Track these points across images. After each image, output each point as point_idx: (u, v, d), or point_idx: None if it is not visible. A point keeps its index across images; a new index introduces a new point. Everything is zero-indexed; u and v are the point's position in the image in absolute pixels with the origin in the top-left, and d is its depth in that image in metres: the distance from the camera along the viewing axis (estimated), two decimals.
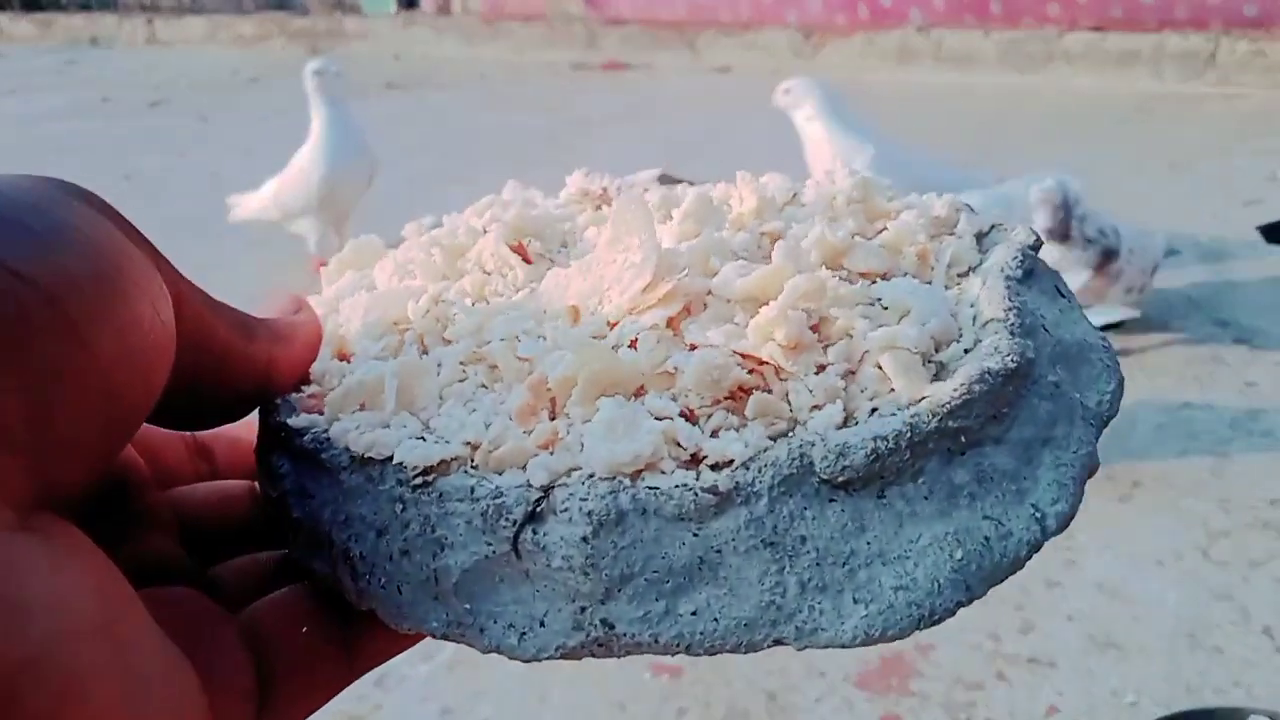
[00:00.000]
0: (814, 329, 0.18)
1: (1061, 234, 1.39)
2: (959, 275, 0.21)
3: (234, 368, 0.18)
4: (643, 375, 0.18)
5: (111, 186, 2.83)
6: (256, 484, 0.21)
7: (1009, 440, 0.18)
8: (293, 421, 0.19)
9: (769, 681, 0.93)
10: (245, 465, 0.22)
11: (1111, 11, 3.69)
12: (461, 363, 0.19)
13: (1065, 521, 0.17)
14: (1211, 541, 1.12)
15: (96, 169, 2.99)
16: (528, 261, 0.21)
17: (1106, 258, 1.46)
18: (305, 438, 0.19)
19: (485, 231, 0.22)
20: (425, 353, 0.20)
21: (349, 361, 0.20)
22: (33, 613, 0.12)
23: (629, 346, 0.18)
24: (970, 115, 3.15)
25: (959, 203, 0.22)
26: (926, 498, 0.17)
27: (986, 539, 0.17)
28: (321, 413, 0.19)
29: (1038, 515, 0.17)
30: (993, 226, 0.22)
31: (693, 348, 0.18)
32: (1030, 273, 0.20)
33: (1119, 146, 2.69)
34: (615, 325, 0.19)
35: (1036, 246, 0.21)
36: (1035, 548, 0.17)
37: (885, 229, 0.21)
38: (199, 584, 0.19)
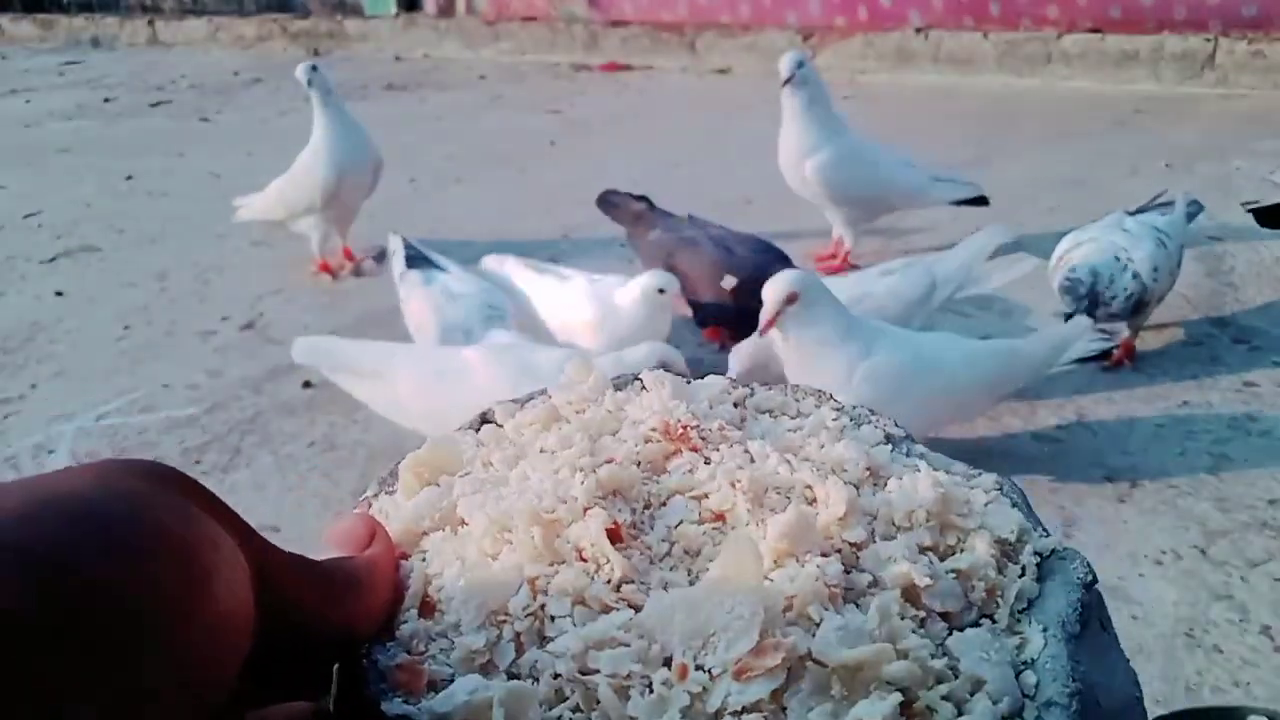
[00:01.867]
0: (903, 708, 0.19)
1: (1090, 312, 1.38)
2: (1020, 611, 0.22)
3: (315, 633, 0.19)
4: None
5: (113, 187, 2.84)
6: (320, 705, 0.22)
7: None
8: (388, 709, 0.20)
9: None
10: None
11: (1110, 13, 3.70)
12: (556, 675, 0.20)
13: None
14: (1210, 541, 1.12)
15: (98, 169, 2.99)
16: (619, 540, 0.22)
17: (1139, 309, 1.45)
18: None
19: (584, 507, 0.23)
20: (521, 654, 0.21)
21: (434, 618, 0.22)
22: None
23: (732, 715, 0.19)
24: (969, 116, 3.15)
25: (1025, 522, 0.24)
26: None
27: None
28: (413, 693, 0.20)
29: None
30: (1053, 551, 0.24)
31: None
32: (1085, 621, 0.22)
33: (1117, 147, 2.70)
34: (718, 678, 0.20)
35: (1091, 584, 0.23)
36: None
37: (957, 549, 0.23)
38: None
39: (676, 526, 0.23)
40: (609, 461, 0.24)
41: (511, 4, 5.02)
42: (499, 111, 3.62)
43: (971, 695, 0.20)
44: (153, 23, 5.72)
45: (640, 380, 0.28)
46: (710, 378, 0.29)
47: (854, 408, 0.29)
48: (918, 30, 3.92)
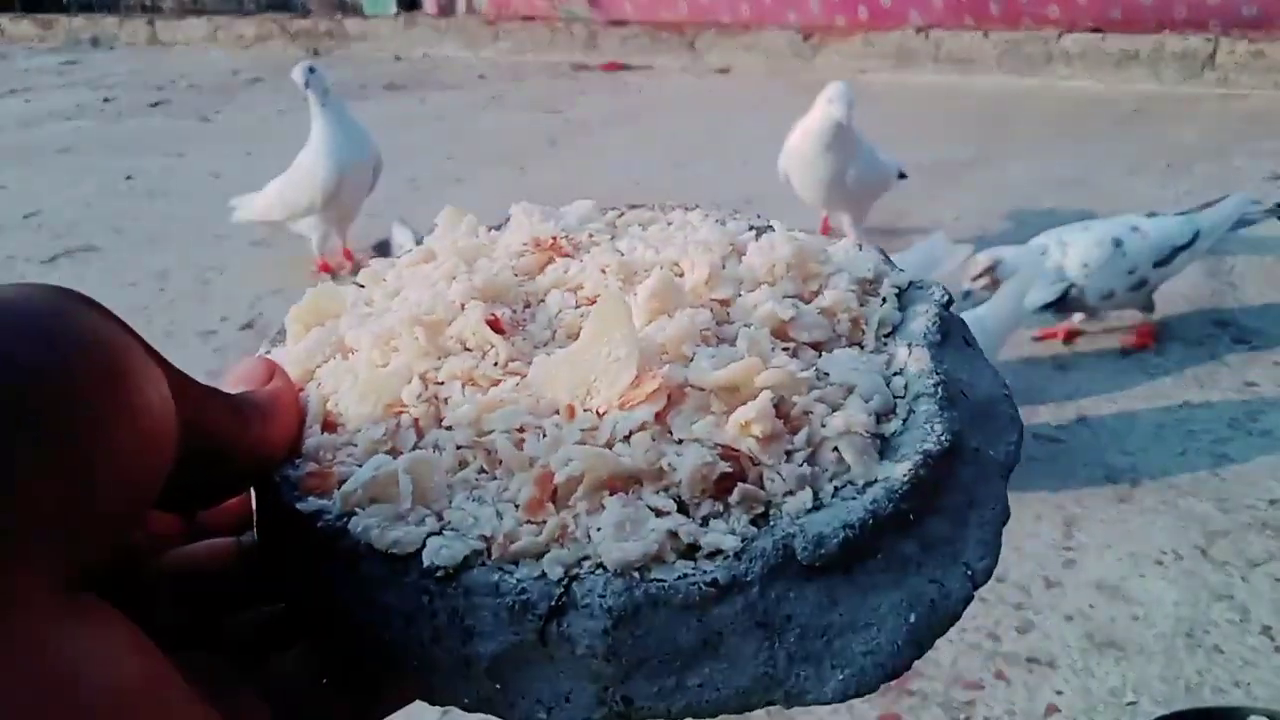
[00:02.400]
0: (778, 412, 0.21)
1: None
2: (884, 336, 0.24)
3: (228, 448, 0.20)
4: (641, 473, 0.20)
5: (112, 187, 2.84)
6: (240, 538, 0.23)
7: (943, 508, 0.21)
8: (303, 507, 0.21)
9: None
10: (225, 519, 0.23)
11: (1110, 12, 3.70)
12: (459, 446, 0.21)
13: (989, 574, 0.21)
14: (1210, 541, 1.12)
15: (98, 169, 2.99)
16: (502, 332, 0.23)
17: (1062, 302, 1.49)
18: (318, 524, 0.20)
19: (461, 306, 0.24)
20: (421, 436, 0.22)
21: (336, 432, 0.22)
22: (90, 685, 0.14)
23: (623, 441, 0.21)
24: (969, 116, 3.15)
25: (882, 264, 0.26)
26: (884, 570, 0.20)
27: (932, 601, 0.20)
28: (325, 493, 0.21)
29: (969, 573, 0.21)
30: (910, 284, 0.26)
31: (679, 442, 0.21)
32: (946, 332, 0.24)
33: (1117, 147, 2.70)
34: (605, 415, 0.21)
35: (949, 304, 0.25)
36: (968, 601, 0.21)
37: (820, 292, 0.25)
38: (209, 644, 0.21)
39: (556, 315, 0.24)
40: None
41: (512, 3, 5.02)
42: (499, 111, 3.62)
43: (844, 400, 0.22)
44: (152, 22, 5.72)
45: (513, 216, 0.29)
46: (579, 202, 0.30)
47: (722, 211, 0.30)
48: (918, 30, 3.91)
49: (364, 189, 2.10)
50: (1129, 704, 0.90)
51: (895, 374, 0.23)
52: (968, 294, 1.45)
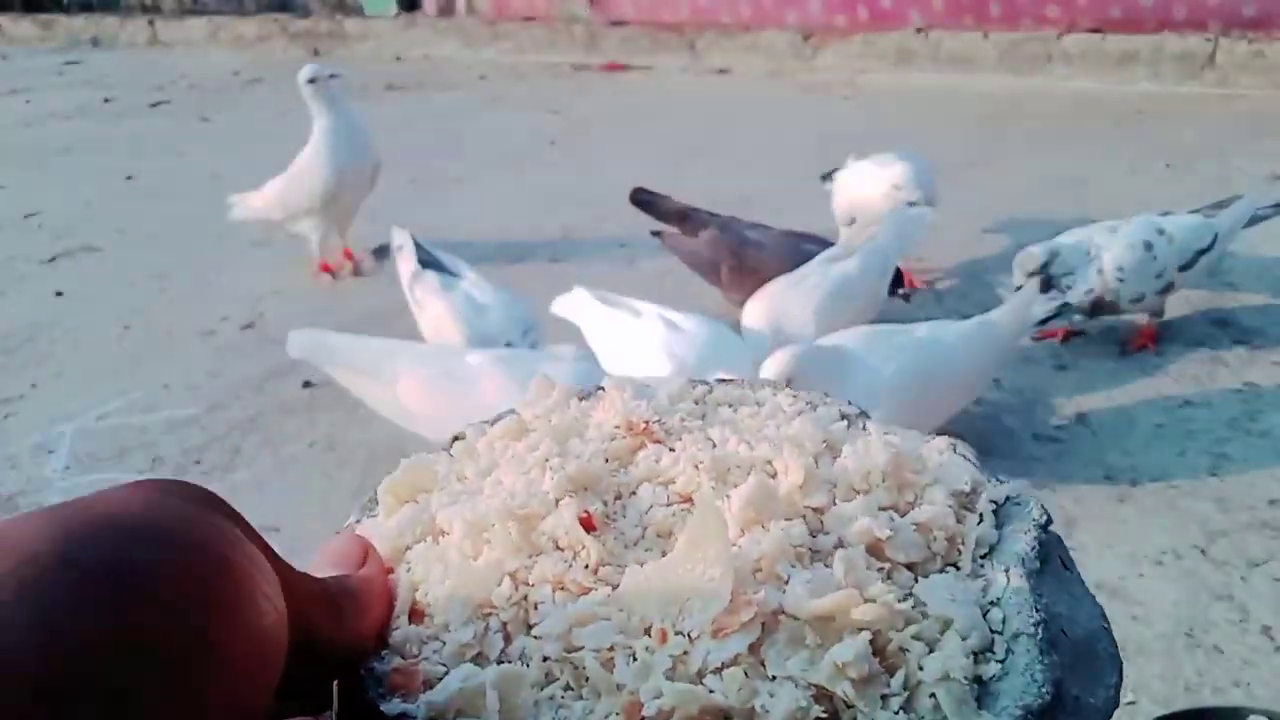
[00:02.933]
0: (874, 648, 0.20)
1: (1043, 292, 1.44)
2: (981, 557, 0.23)
3: (325, 643, 0.20)
4: (733, 711, 0.20)
5: (113, 187, 2.84)
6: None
7: None
8: (388, 709, 0.21)
9: None
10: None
11: (1110, 13, 3.70)
12: (546, 658, 0.21)
13: None
14: (1210, 541, 1.12)
15: (98, 169, 2.99)
16: (593, 529, 0.23)
17: (1097, 307, 1.50)
18: None
19: (555, 501, 0.24)
20: (509, 643, 0.22)
21: (423, 624, 0.23)
22: None
23: (714, 673, 0.20)
24: (969, 116, 3.15)
25: (978, 474, 0.25)
26: None
27: None
28: (410, 693, 0.21)
29: None
30: (1008, 499, 0.25)
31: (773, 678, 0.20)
32: (1045, 556, 0.23)
33: (1117, 147, 2.70)
34: (697, 641, 0.21)
35: (1048, 524, 0.24)
36: None
37: (916, 503, 0.24)
38: None
39: (647, 512, 0.24)
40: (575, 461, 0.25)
41: (512, 4, 5.02)
42: (499, 111, 3.62)
43: (941, 634, 0.21)
44: (153, 23, 5.72)
45: (603, 387, 0.29)
46: (669, 375, 0.31)
47: (810, 393, 0.30)
48: (918, 30, 3.91)
49: (363, 191, 2.10)
50: (1128, 704, 0.90)
51: (992, 604, 0.22)
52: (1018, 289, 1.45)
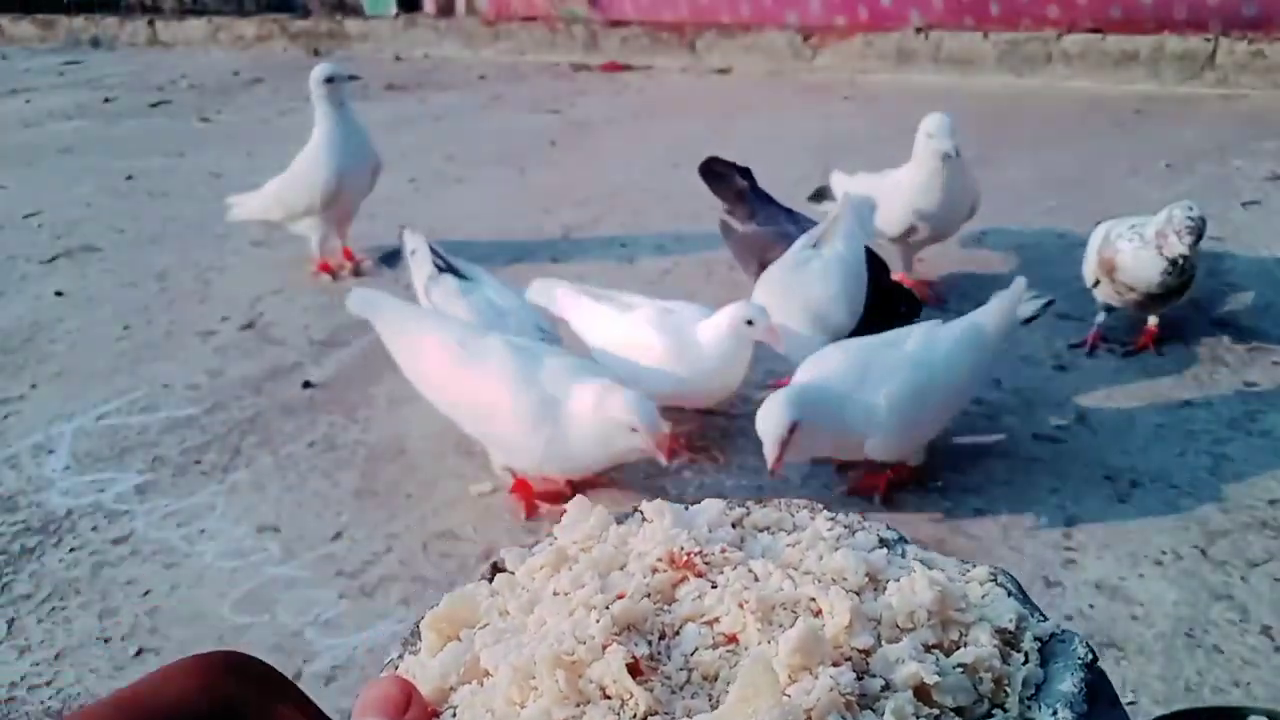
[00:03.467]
0: None
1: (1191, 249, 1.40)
2: (1029, 698, 0.24)
3: None
4: None
5: (113, 187, 2.84)
6: None
7: None
8: None
9: None
10: None
11: (1110, 13, 3.70)
12: None
13: None
14: (1210, 541, 1.12)
15: (98, 169, 2.99)
16: (640, 674, 0.23)
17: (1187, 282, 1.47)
18: None
19: (603, 647, 0.24)
20: None
21: None
22: None
23: None
24: (969, 116, 3.15)
25: (1022, 610, 0.26)
26: None
27: None
28: None
29: None
30: (1052, 635, 0.25)
31: None
32: (1093, 697, 0.24)
33: (1117, 148, 2.70)
34: None
35: (1093, 663, 0.24)
36: None
37: (961, 643, 0.24)
38: None
39: (692, 654, 0.24)
40: (620, 597, 0.25)
41: (511, 4, 5.02)
42: (499, 111, 3.62)
43: None
44: (153, 23, 5.72)
45: (640, 511, 0.29)
46: (707, 501, 0.30)
47: (847, 515, 0.30)
48: (918, 30, 3.91)
49: (362, 191, 2.10)
50: (1128, 703, 0.90)
51: None
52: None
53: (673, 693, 0.23)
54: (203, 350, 1.77)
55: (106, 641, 1.07)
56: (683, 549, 0.27)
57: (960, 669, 0.23)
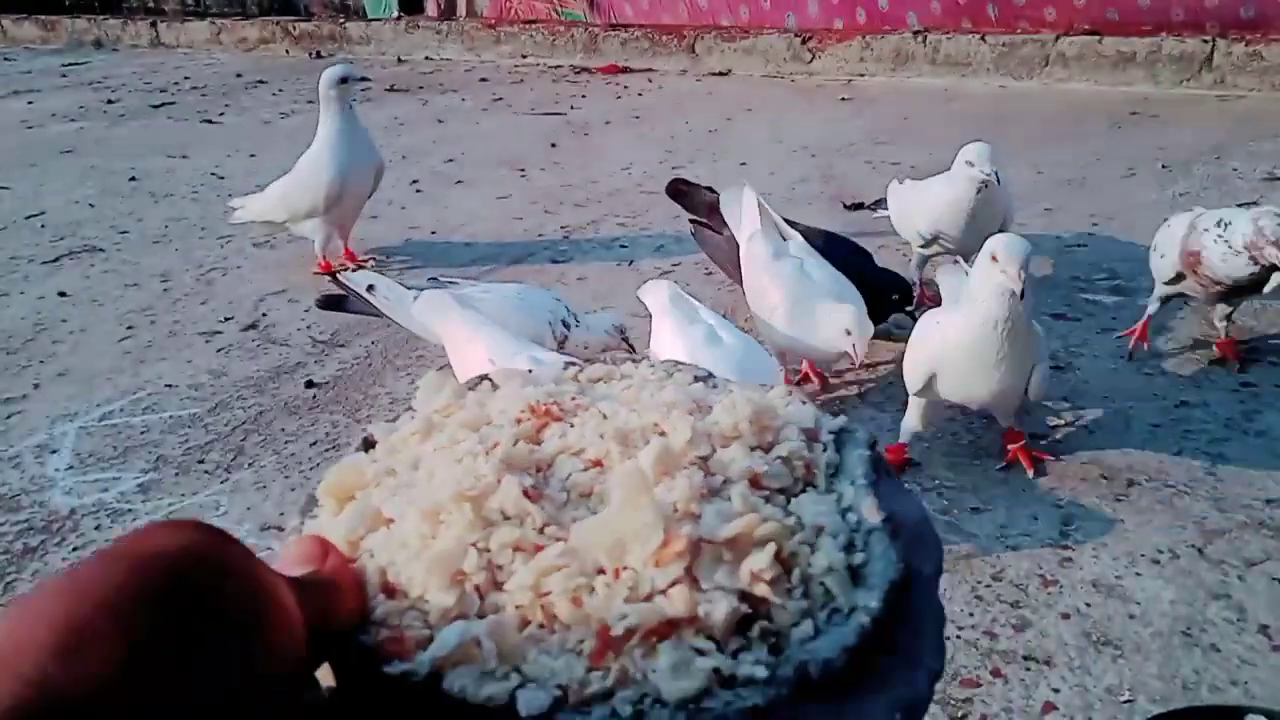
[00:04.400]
0: (776, 557, 0.26)
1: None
2: (830, 476, 0.30)
3: (318, 629, 0.24)
4: (682, 620, 0.25)
5: (116, 188, 2.85)
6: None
7: (903, 622, 0.27)
8: (390, 670, 0.24)
9: None
10: None
11: (1107, 14, 3.71)
12: (518, 606, 0.25)
13: (942, 671, 0.27)
14: (1207, 540, 1.13)
15: (101, 170, 3.00)
16: (532, 499, 0.28)
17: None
18: (411, 684, 0.24)
19: (497, 480, 0.28)
20: (484, 600, 0.26)
21: (398, 599, 0.26)
22: None
23: (662, 594, 0.25)
24: (967, 118, 3.16)
25: (818, 413, 0.32)
26: (872, 681, 0.25)
27: (909, 701, 0.26)
28: (405, 656, 0.25)
29: (931, 672, 0.27)
30: (841, 429, 0.32)
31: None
32: (877, 470, 0.31)
33: (1115, 149, 2.70)
34: (644, 571, 0.26)
35: (873, 445, 0.31)
36: (932, 695, 0.26)
37: (776, 442, 0.30)
38: None
39: (568, 479, 0.29)
40: (495, 446, 0.30)
41: (513, 7, 5.03)
42: (500, 114, 3.63)
43: (818, 538, 0.27)
44: (155, 25, 5.73)
45: (488, 379, 0.34)
46: (545, 364, 0.35)
47: (663, 362, 0.36)
48: (916, 33, 3.92)
49: (365, 193, 2.11)
50: (1126, 702, 0.90)
51: (847, 510, 0.28)
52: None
53: (559, 509, 0.28)
54: (206, 350, 1.78)
55: None
56: (539, 401, 0.32)
57: (780, 460, 0.29)
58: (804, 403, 0.32)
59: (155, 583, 0.20)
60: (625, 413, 0.31)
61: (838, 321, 1.33)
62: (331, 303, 1.57)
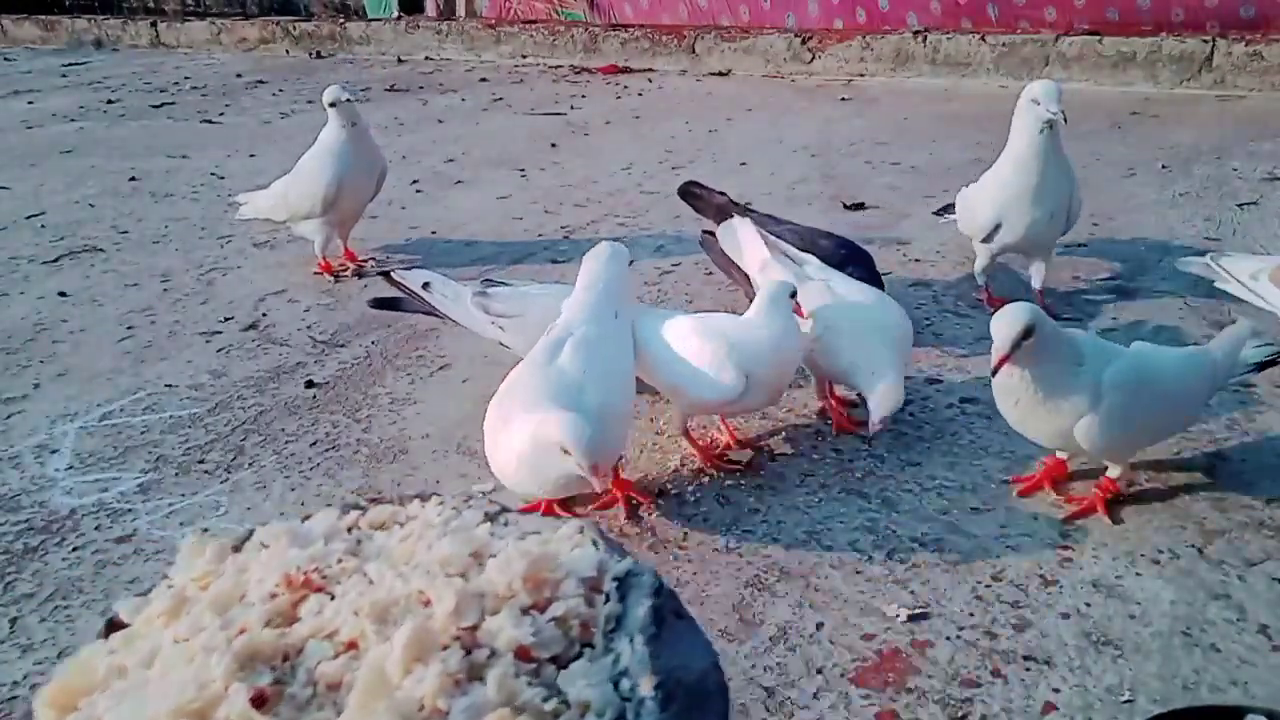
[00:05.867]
0: None
1: None
2: (610, 631, 0.28)
3: None
4: None
5: (116, 188, 2.85)
6: None
7: None
8: None
9: (767, 678, 0.94)
10: None
11: (1107, 15, 3.71)
12: None
13: None
14: (1207, 540, 1.13)
15: (101, 171, 3.00)
16: (265, 702, 0.26)
17: None
18: None
19: (225, 685, 0.26)
20: None
21: None
22: None
23: None
24: (967, 118, 3.16)
25: (605, 557, 0.30)
26: None
27: None
28: None
29: None
30: (628, 573, 0.30)
31: None
32: (660, 617, 0.29)
33: (1115, 149, 2.70)
34: None
35: (659, 590, 0.29)
36: None
37: (554, 599, 0.28)
38: None
39: (315, 667, 0.27)
40: (242, 631, 0.27)
41: (512, 7, 5.04)
42: (500, 113, 3.63)
43: (582, 717, 0.25)
44: (155, 25, 5.74)
45: (258, 537, 0.32)
46: (321, 513, 0.33)
47: (452, 499, 0.34)
48: (916, 33, 3.93)
49: (366, 197, 2.11)
50: (1126, 702, 0.90)
51: (622, 673, 0.27)
52: None
53: (300, 709, 0.26)
54: (206, 350, 1.78)
55: None
56: (300, 569, 0.29)
57: (553, 622, 0.28)
58: (594, 543, 0.31)
59: None
60: (391, 578, 0.29)
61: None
62: (386, 303, 1.54)
